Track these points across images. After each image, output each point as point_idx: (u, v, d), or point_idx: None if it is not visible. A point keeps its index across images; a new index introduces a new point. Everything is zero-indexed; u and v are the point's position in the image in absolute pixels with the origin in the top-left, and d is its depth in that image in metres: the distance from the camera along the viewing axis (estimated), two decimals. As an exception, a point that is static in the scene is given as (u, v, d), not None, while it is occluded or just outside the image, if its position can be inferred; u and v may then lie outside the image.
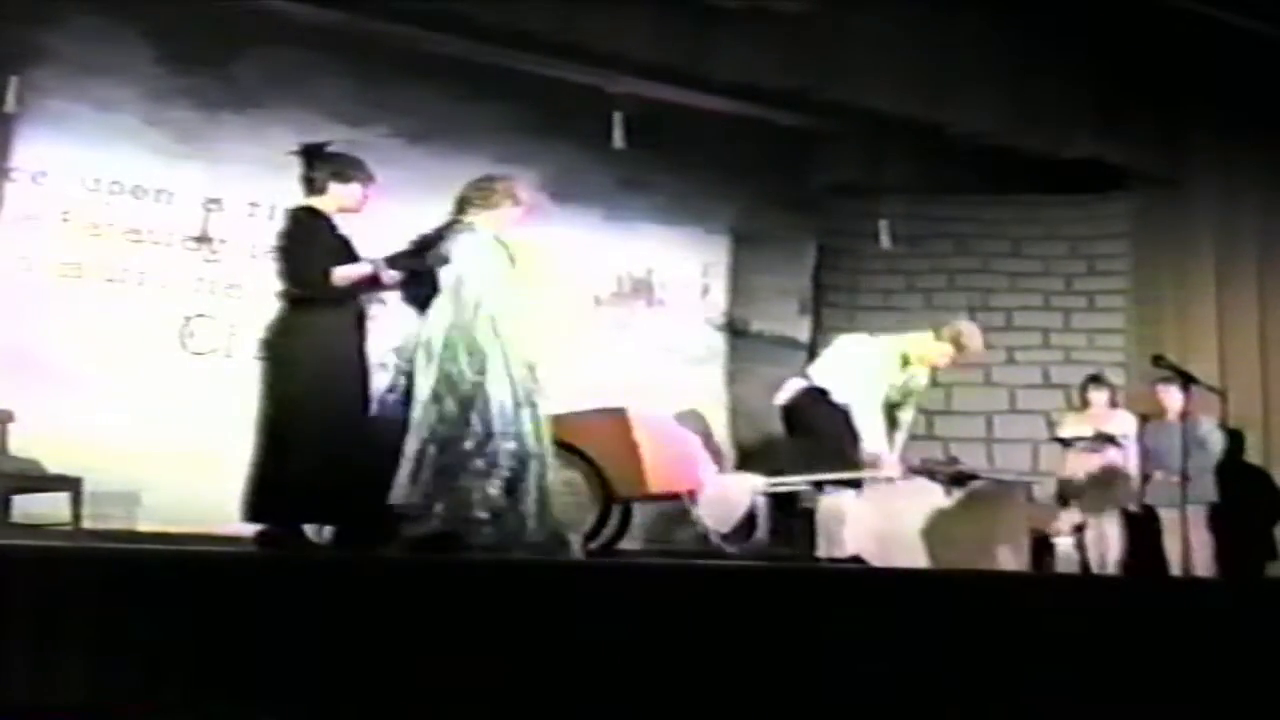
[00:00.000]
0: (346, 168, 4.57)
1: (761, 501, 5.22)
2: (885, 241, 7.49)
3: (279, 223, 4.68)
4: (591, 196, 7.26)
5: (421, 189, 6.65)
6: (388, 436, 4.31)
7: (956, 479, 6.06)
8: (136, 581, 2.75)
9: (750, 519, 5.42)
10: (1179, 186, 8.08)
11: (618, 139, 6.72)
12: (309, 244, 4.40)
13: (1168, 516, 6.48)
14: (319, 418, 4.26)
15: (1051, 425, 7.51)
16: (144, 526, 5.76)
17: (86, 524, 5.34)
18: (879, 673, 3.06)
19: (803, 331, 7.88)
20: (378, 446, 4.29)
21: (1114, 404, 6.86)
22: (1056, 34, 7.23)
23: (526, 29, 6.33)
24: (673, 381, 7.20)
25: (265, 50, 6.59)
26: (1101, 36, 7.26)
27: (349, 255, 4.46)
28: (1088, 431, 6.74)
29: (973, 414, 7.92)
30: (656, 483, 5.50)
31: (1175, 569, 6.29)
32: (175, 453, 6.00)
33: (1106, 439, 6.63)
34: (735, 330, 7.92)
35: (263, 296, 6.54)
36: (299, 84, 6.63)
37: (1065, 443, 6.86)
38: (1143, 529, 6.57)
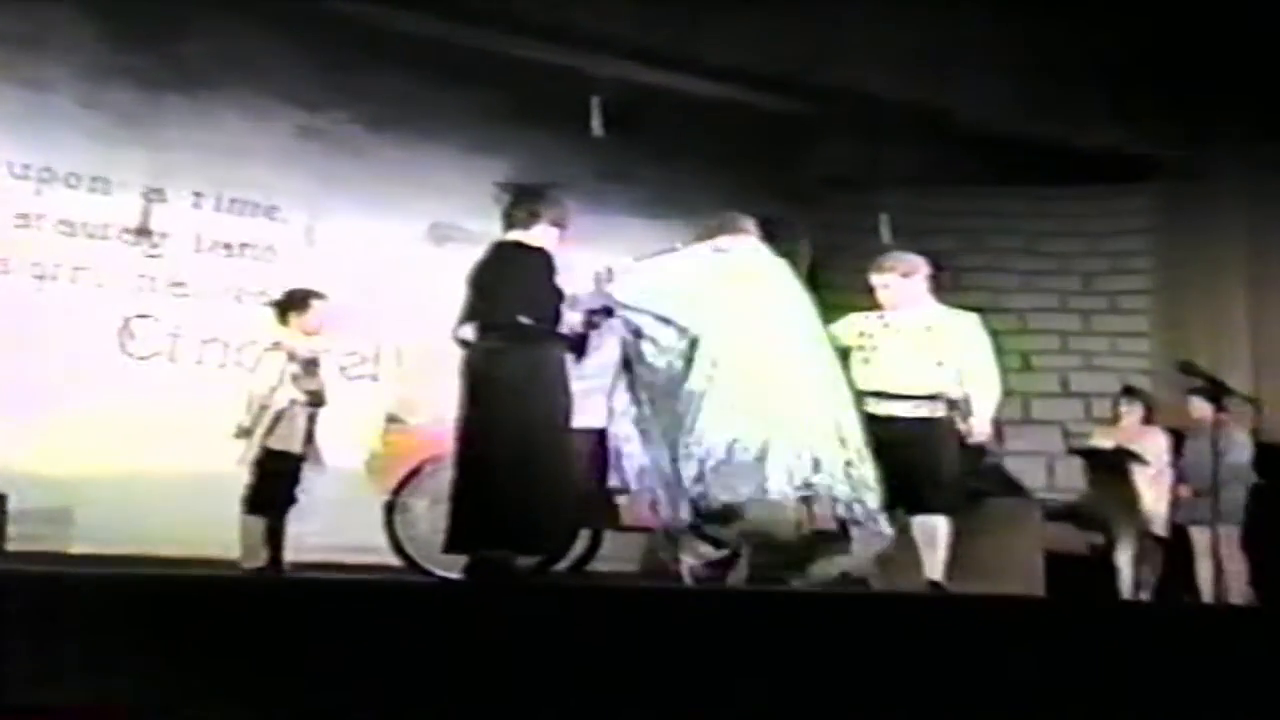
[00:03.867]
0: (550, 209, 5.00)
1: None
2: (886, 236, 7.41)
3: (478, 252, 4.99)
4: (568, 188, 7.09)
5: (382, 180, 6.88)
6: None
7: (972, 495, 5.94)
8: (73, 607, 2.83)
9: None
10: (1206, 177, 8.09)
11: (596, 126, 6.73)
12: (550, 278, 4.78)
13: (1199, 537, 6.48)
14: (522, 447, 4.62)
15: (1069, 437, 7.55)
16: (78, 548, 5.77)
17: (12, 545, 5.34)
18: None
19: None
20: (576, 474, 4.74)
21: (1148, 420, 6.83)
22: (1070, 12, 7.21)
23: (500, 7, 6.38)
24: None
25: (214, 27, 6.61)
26: (1119, 14, 7.24)
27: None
28: (1110, 446, 6.73)
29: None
30: (631, 516, 5.44)
31: (1207, 595, 6.30)
32: (113, 467, 6.02)
33: (1130, 456, 6.63)
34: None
35: (209, 295, 6.73)
36: (251, 64, 6.66)
37: (1085, 457, 6.85)
38: (1172, 552, 6.56)
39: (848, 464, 4.93)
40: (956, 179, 8.09)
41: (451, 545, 4.71)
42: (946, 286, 7.21)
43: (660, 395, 4.92)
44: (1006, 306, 8.09)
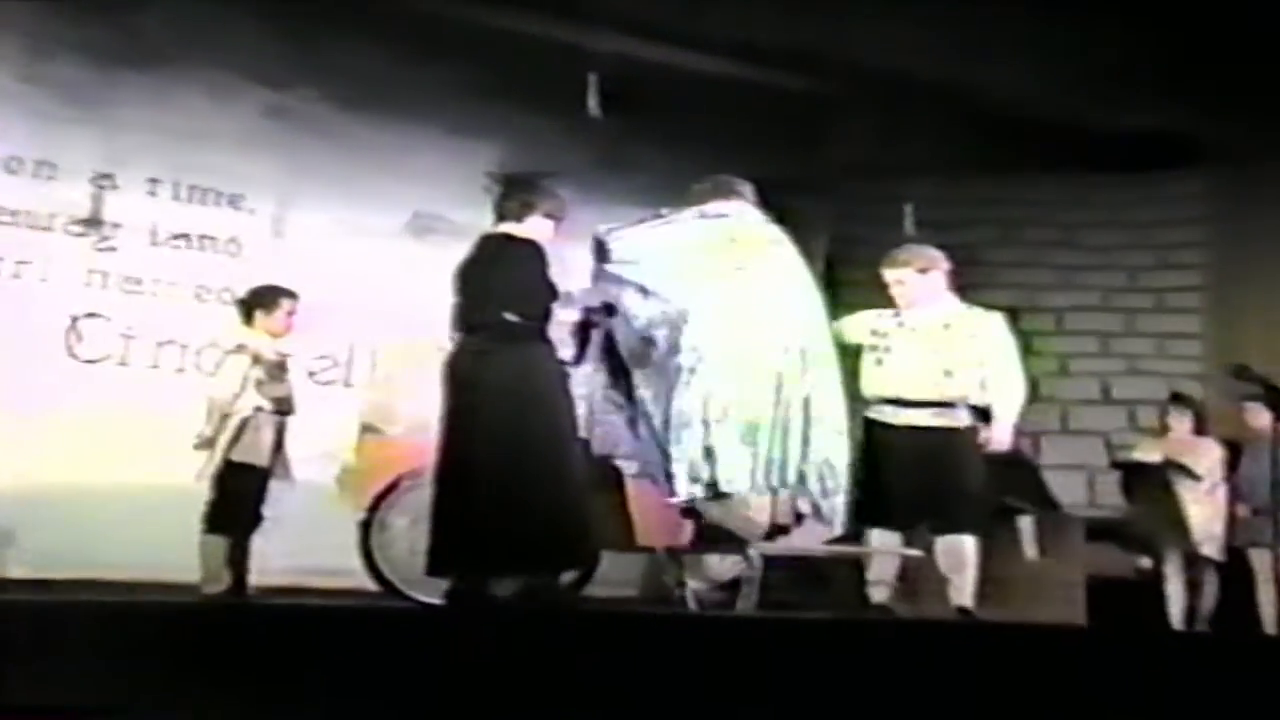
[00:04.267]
0: (545, 200, 5.07)
1: (755, 554, 5.19)
2: (910, 228, 7.43)
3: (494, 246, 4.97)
4: (561, 174, 7.07)
5: (357, 166, 6.91)
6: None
7: (997, 513, 6.04)
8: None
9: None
10: (1263, 160, 8.03)
11: (594, 107, 6.75)
12: (543, 272, 4.83)
13: (1258, 561, 6.46)
14: (514, 456, 4.67)
15: (1111, 449, 7.56)
16: (18, 572, 5.75)
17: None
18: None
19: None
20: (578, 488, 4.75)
21: (1199, 430, 6.82)
22: (1112, -19, 7.27)
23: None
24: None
25: (172, -3, 6.62)
26: (1166, -17, 7.28)
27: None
28: (1156, 459, 6.72)
29: (1022, 434, 7.82)
30: (645, 535, 5.44)
31: (1268, 625, 6.29)
32: (59, 482, 6.02)
33: (1179, 470, 6.61)
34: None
35: (166, 292, 6.72)
36: (213, 38, 6.65)
37: (1130, 471, 6.84)
38: (1228, 577, 6.55)
39: (824, 460, 5.07)
40: (988, 165, 8.07)
41: (433, 567, 4.72)
42: (977, 283, 7.34)
43: (649, 371, 5.05)
44: (1042, 305, 8.14)
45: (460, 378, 4.83)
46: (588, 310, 5.09)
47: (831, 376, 5.17)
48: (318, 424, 5.93)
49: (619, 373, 5.18)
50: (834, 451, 5.11)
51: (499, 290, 4.81)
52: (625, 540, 5.34)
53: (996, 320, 5.48)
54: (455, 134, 7.05)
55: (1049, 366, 7.93)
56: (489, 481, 4.64)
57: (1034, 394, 7.50)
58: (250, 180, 6.89)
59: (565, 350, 5.05)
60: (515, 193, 5.10)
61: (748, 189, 5.36)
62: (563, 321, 4.98)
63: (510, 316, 4.76)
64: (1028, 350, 7.39)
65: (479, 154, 7.02)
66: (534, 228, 4.98)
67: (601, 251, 5.13)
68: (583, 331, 5.18)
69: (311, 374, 6.82)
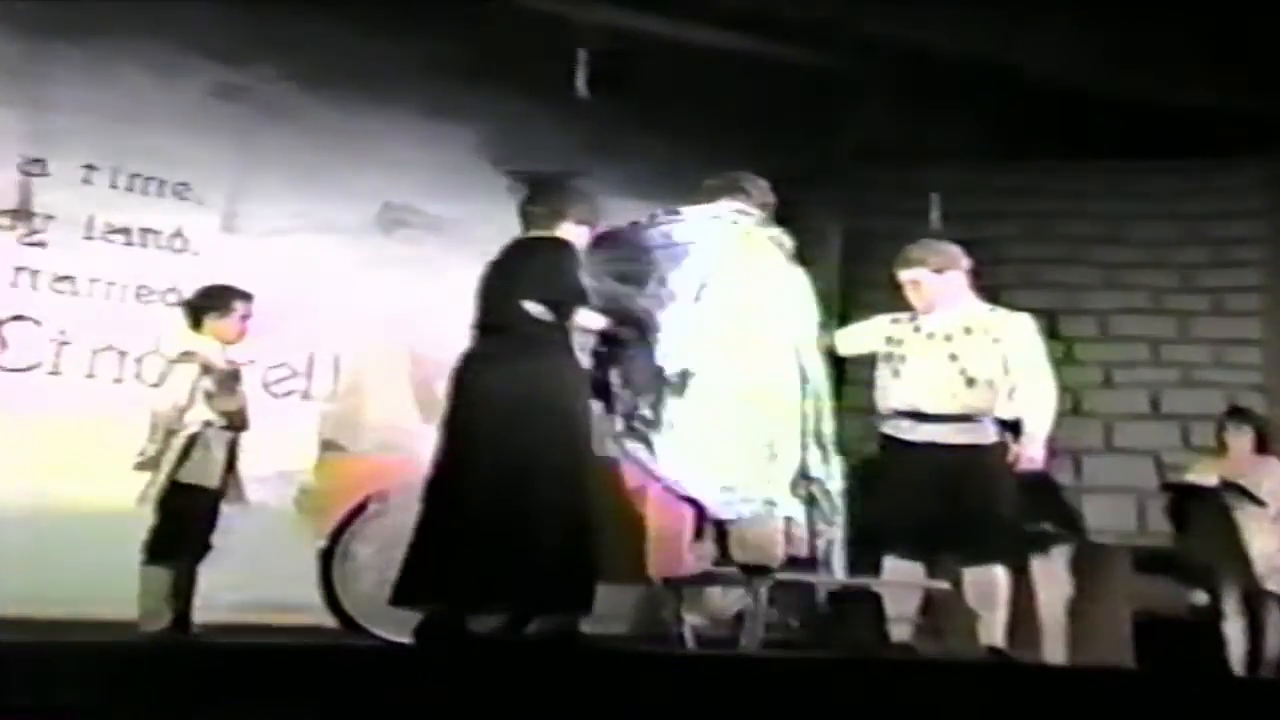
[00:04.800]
0: (576, 205, 5.21)
1: (761, 587, 5.17)
2: (936, 221, 7.42)
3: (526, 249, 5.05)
4: (546, 162, 7.11)
5: (320, 151, 6.92)
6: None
7: (1035, 541, 6.04)
8: None
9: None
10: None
11: (582, 86, 6.73)
12: (574, 269, 4.96)
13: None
14: (518, 477, 4.72)
15: (1162, 469, 7.53)
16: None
17: None
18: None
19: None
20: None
21: (1262, 449, 6.84)
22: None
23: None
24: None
25: (114, -38, 6.61)
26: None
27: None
28: (1212, 481, 6.72)
29: (1060, 452, 7.68)
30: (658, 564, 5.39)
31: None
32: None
33: (1239, 493, 6.61)
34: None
35: (103, 293, 6.71)
36: (155, 6, 6.63)
37: (1183, 494, 6.84)
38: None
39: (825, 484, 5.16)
40: (1022, 150, 8.05)
41: (401, 595, 4.74)
42: (1010, 283, 7.36)
43: (667, 387, 5.15)
44: (1083, 308, 8.14)
45: (467, 384, 4.90)
46: (618, 319, 5.15)
47: (825, 392, 5.24)
48: (274, 440, 5.90)
49: (640, 389, 5.23)
50: (832, 474, 5.21)
51: (523, 281, 4.91)
52: (636, 572, 5.32)
53: (1023, 321, 5.50)
54: (430, 117, 7.06)
55: (1091, 377, 7.94)
56: (487, 502, 4.69)
57: (1075, 408, 7.62)
58: (199, 167, 6.86)
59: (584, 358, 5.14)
60: (543, 196, 5.21)
61: (760, 187, 5.43)
62: (587, 328, 5.05)
63: (531, 306, 4.84)
64: (1068, 359, 7.48)
65: (456, 139, 7.04)
66: (565, 235, 5.10)
67: (608, 249, 5.25)
68: (608, 344, 5.25)
69: (267, 385, 6.82)
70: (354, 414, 6.54)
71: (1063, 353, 7.53)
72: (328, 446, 6.26)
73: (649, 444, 5.13)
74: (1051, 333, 7.16)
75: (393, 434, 6.04)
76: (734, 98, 7.39)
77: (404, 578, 4.72)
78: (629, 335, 5.21)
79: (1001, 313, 5.53)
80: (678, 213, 5.34)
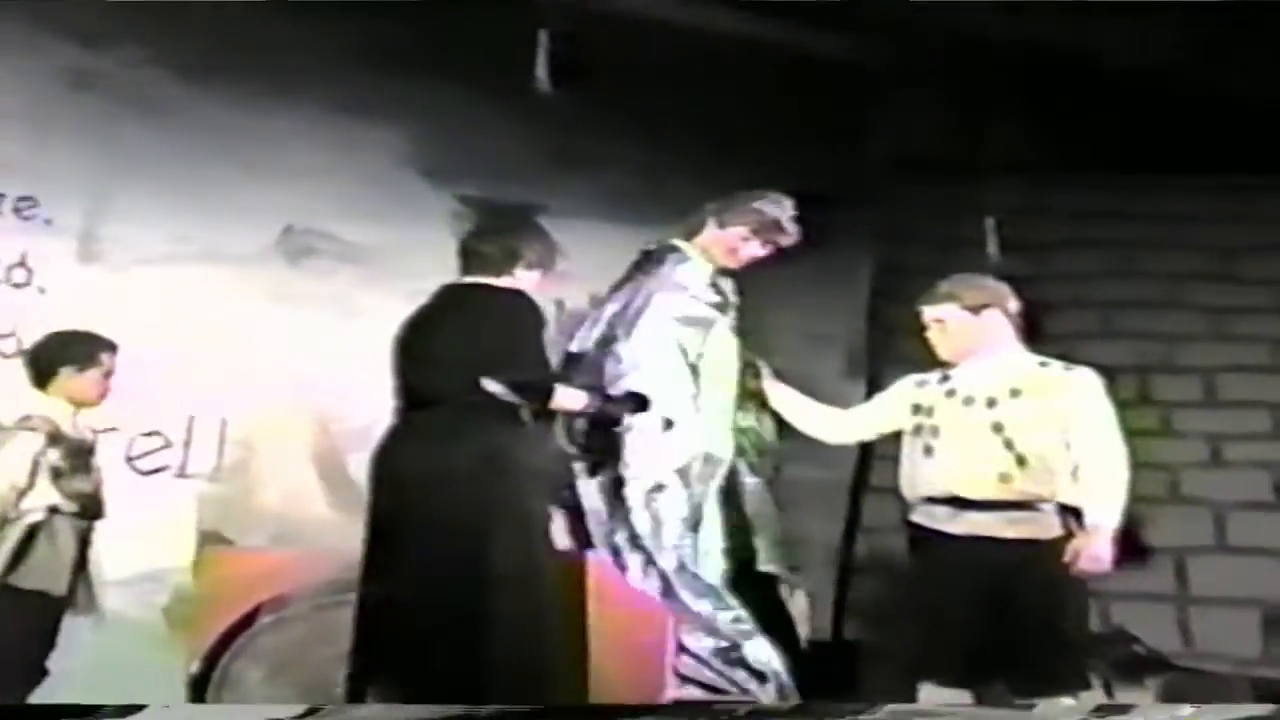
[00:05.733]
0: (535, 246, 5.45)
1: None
2: (992, 249, 7.51)
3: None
4: (499, 174, 7.25)
5: (203, 155, 6.87)
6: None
7: (1130, 668, 6.05)
8: None
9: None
10: None
11: (543, 77, 6.73)
12: (537, 332, 5.14)
13: None
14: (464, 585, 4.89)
15: (1291, 573, 7.50)
16: None
17: None
18: None
19: (850, 405, 7.39)
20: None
21: None
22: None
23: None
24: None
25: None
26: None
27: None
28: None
29: (1157, 551, 7.74)
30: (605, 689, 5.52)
31: None
32: None
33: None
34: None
35: None
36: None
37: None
38: None
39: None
40: (1099, 161, 8.05)
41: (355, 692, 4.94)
42: (1084, 331, 7.34)
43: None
44: (1185, 364, 8.15)
45: (394, 471, 5.01)
46: (605, 399, 5.36)
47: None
48: (139, 531, 5.91)
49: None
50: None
51: (473, 347, 5.01)
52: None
53: (1085, 379, 5.45)
54: (346, 114, 7.04)
55: (1193, 453, 7.91)
56: (426, 617, 4.84)
57: (1174, 493, 7.75)
58: (47, 179, 6.79)
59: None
60: (497, 234, 5.38)
61: (767, 221, 5.77)
62: (567, 410, 5.24)
63: (493, 387, 4.93)
64: (1164, 430, 7.47)
65: (379, 145, 7.03)
66: (515, 283, 5.27)
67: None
68: (601, 428, 5.48)
69: (132, 459, 6.70)
70: (243, 497, 6.56)
71: (1158, 422, 7.62)
72: (209, 539, 6.25)
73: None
74: (1142, 396, 7.20)
75: (293, 523, 6.13)
76: (735, 93, 7.43)
77: (351, 677, 4.96)
78: (620, 413, 5.44)
79: (1057, 369, 5.49)
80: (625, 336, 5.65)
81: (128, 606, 5.70)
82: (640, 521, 5.48)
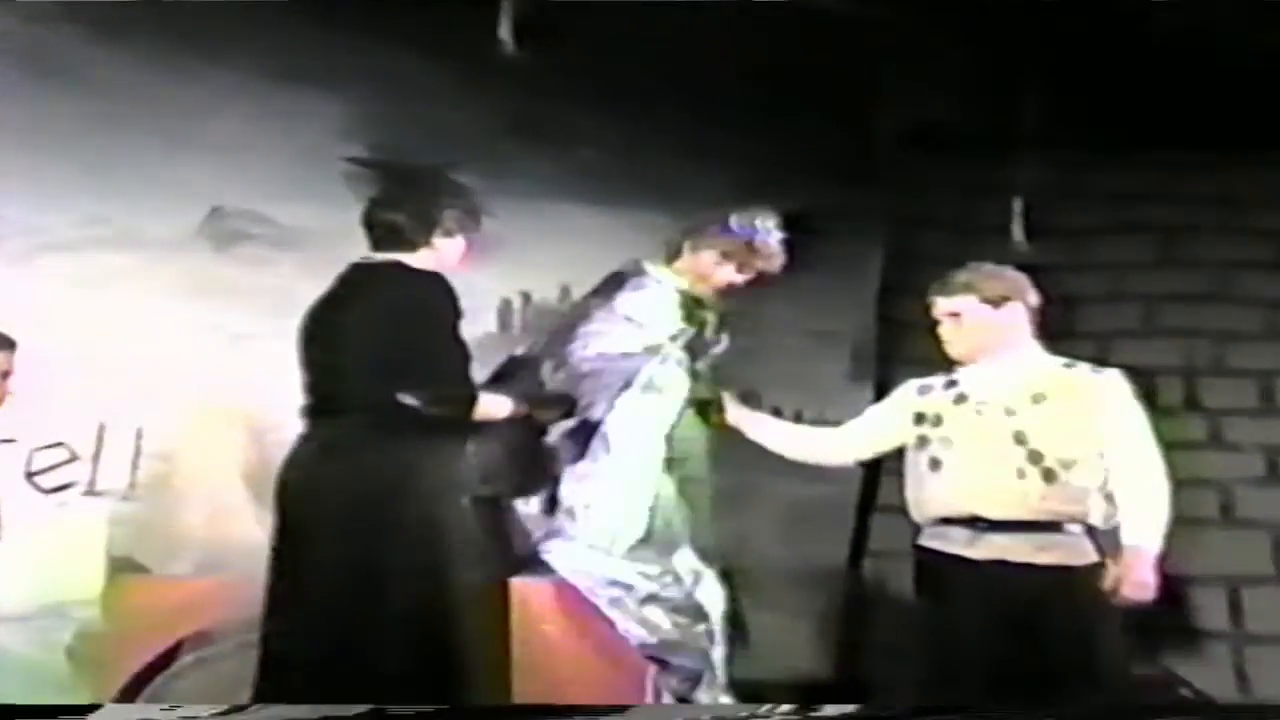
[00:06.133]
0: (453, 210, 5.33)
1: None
2: (1018, 236, 7.51)
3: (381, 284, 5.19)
4: (457, 154, 6.90)
5: (116, 124, 6.72)
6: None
7: (1177, 715, 5.95)
8: None
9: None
10: None
11: (506, 35, 6.63)
12: (451, 338, 5.03)
13: None
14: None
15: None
16: None
17: None
18: None
19: (857, 410, 7.33)
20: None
21: None
22: None
23: None
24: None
25: None
26: None
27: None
28: None
29: (1206, 580, 7.68)
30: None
31: None
32: None
33: None
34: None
35: None
36: None
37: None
38: None
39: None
40: (1143, 137, 7.98)
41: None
42: (1125, 329, 7.24)
43: None
44: (1238, 366, 8.14)
45: (301, 492, 4.98)
46: (531, 401, 5.40)
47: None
48: (40, 558, 5.91)
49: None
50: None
51: (384, 349, 4.95)
52: None
53: (1114, 382, 5.46)
54: (282, 80, 6.90)
55: (1247, 468, 7.87)
56: (325, 663, 4.83)
57: (1226, 513, 7.82)
58: None
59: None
60: (405, 198, 5.27)
61: (752, 231, 5.81)
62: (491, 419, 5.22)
63: (407, 400, 4.86)
64: (1214, 441, 7.43)
65: (318, 116, 6.90)
66: (435, 253, 5.18)
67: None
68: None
69: (32, 474, 6.43)
70: (162, 518, 6.48)
71: (1206, 432, 7.69)
72: (122, 566, 6.13)
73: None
74: (1189, 402, 7.07)
75: (219, 548, 6.04)
76: (725, 57, 7.38)
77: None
78: (550, 418, 5.53)
79: (1084, 370, 5.50)
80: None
81: (24, 645, 5.60)
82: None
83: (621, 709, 5.33)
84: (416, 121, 7.01)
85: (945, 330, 5.52)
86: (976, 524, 5.29)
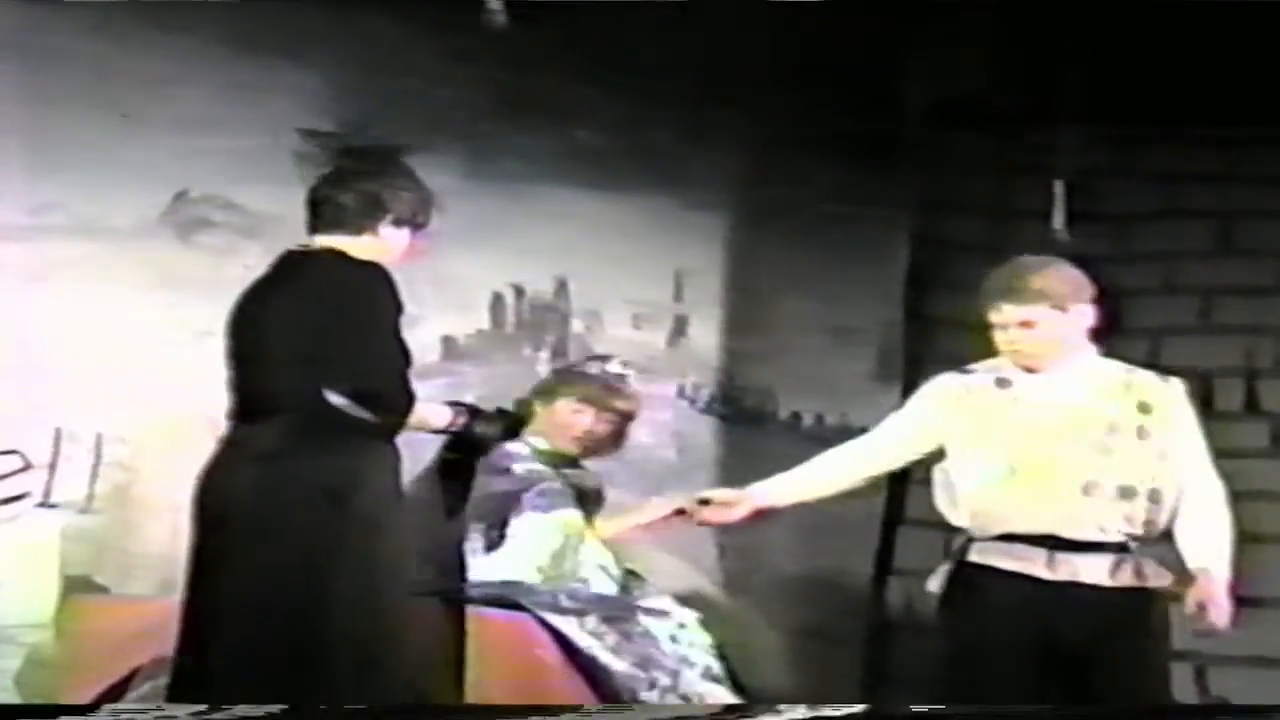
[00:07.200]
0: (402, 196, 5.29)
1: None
2: (1059, 224, 7.45)
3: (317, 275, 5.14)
4: (439, 134, 7.11)
5: (68, 106, 6.71)
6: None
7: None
8: None
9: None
10: None
11: (496, 6, 6.46)
12: (390, 335, 4.99)
13: None
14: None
15: None
16: None
17: None
18: None
19: (882, 415, 7.27)
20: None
21: None
22: None
23: None
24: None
25: None
26: None
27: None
28: None
29: (1268, 602, 7.54)
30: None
31: None
32: None
33: None
34: (738, 413, 8.06)
35: None
36: None
37: None
38: None
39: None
40: (1210, 112, 7.88)
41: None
42: (1179, 325, 7.17)
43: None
44: None
45: (218, 502, 4.92)
46: (471, 412, 5.71)
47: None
48: None
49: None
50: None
51: (315, 346, 4.92)
52: None
53: (1174, 391, 5.49)
54: (250, 53, 6.85)
55: None
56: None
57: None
58: None
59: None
60: (352, 179, 5.21)
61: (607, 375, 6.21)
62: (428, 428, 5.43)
63: (336, 400, 4.83)
64: (1273, 450, 7.37)
65: (288, 93, 6.84)
66: (378, 243, 5.13)
67: None
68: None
69: None
70: (122, 533, 6.46)
71: (1269, 439, 7.73)
72: (77, 585, 6.17)
73: None
74: (1250, 406, 7.03)
75: (182, 566, 5.74)
76: (734, 26, 7.32)
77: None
78: (490, 433, 5.74)
79: (1150, 378, 5.51)
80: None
81: (-32, 672, 5.50)
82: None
83: (575, 708, 5.38)
84: (396, 98, 6.98)
85: (1013, 338, 5.41)
86: (1048, 542, 5.29)
